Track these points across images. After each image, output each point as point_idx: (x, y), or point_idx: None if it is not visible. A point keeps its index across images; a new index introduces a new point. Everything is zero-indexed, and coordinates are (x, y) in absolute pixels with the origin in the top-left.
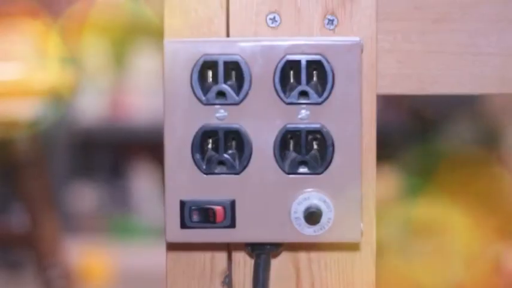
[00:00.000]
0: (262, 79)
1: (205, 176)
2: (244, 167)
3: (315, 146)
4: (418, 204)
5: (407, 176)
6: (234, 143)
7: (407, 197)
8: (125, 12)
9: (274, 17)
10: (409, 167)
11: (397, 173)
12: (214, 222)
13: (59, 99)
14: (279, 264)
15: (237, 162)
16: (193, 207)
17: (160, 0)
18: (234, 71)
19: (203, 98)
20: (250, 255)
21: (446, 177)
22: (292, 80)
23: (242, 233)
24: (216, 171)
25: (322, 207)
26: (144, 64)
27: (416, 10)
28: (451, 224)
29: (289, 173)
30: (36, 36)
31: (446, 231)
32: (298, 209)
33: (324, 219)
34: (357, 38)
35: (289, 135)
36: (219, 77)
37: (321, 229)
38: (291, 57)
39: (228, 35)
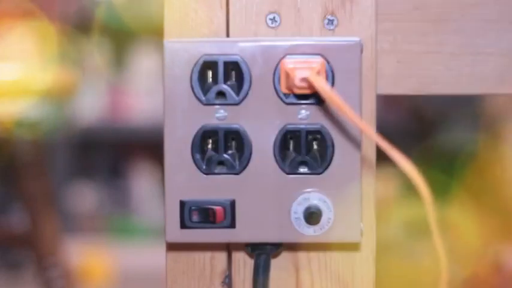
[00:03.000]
0: (262, 79)
1: (205, 176)
2: (244, 167)
3: (315, 146)
4: (418, 204)
5: (407, 176)
6: (234, 143)
7: (407, 197)
8: (125, 13)
9: (274, 17)
10: None
11: (397, 173)
12: (214, 222)
13: (59, 99)
14: (279, 264)
15: (237, 162)
16: (193, 207)
17: (160, 0)
18: (234, 71)
19: (203, 98)
20: (250, 255)
21: (446, 177)
22: None
23: (242, 233)
24: (216, 171)
25: (322, 207)
26: (144, 64)
27: (416, 10)
28: (451, 224)
29: (289, 173)
30: (35, 36)
31: (446, 231)
32: (298, 209)
33: (324, 219)
34: (356, 38)
35: (289, 136)
36: (218, 77)
37: (321, 229)
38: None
39: (228, 35)
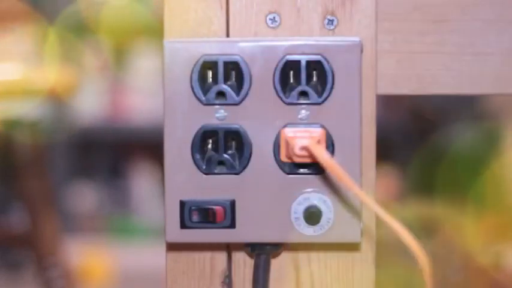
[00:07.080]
0: (262, 79)
1: (205, 176)
2: (244, 167)
3: None
4: (418, 205)
5: (407, 176)
6: (234, 143)
7: (407, 197)
8: (125, 13)
9: (274, 17)
10: (409, 167)
11: (397, 173)
12: (214, 222)
13: (59, 99)
14: (279, 264)
15: (237, 162)
16: (193, 207)
17: (160, 0)
18: (234, 71)
19: (203, 98)
20: (250, 255)
21: (446, 177)
22: (292, 80)
23: (242, 233)
24: (216, 171)
25: (322, 207)
26: (144, 64)
27: (415, 10)
28: (451, 224)
29: (289, 173)
30: (35, 36)
31: (446, 232)
32: (298, 209)
33: (324, 219)
34: (356, 38)
35: None
36: (218, 77)
37: (321, 229)
38: (290, 58)
39: (227, 35)
